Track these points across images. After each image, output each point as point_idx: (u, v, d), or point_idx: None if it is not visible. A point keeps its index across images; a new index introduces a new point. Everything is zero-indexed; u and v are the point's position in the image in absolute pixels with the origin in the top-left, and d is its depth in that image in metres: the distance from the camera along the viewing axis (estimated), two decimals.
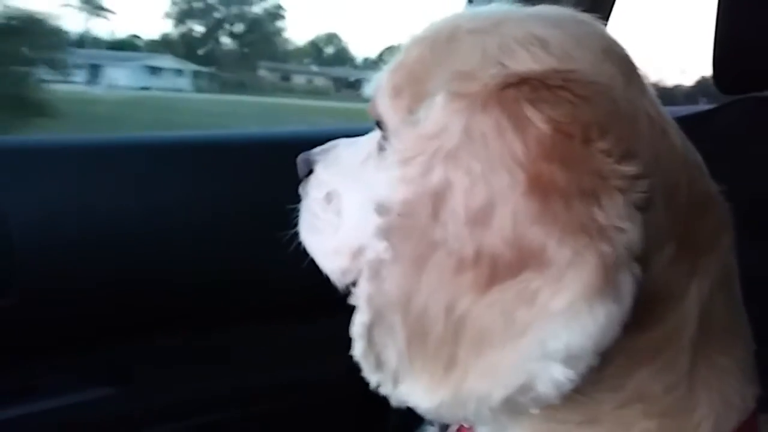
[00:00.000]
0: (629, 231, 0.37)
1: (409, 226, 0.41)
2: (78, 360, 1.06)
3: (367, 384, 0.44)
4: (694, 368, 0.44)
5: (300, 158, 0.67)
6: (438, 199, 0.41)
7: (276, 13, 5.99)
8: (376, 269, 0.43)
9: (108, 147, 1.09)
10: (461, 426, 0.55)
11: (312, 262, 0.62)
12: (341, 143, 0.66)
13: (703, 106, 1.21)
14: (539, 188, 0.38)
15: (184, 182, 1.07)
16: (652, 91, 0.48)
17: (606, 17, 1.29)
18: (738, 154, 0.90)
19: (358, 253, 0.56)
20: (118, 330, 1.07)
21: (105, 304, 1.03)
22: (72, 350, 1.05)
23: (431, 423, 0.62)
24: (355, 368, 0.44)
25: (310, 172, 0.66)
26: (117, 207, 1.02)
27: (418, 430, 0.63)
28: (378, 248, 0.43)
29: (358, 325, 0.44)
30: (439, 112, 0.43)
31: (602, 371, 0.39)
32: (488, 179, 0.39)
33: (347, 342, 0.45)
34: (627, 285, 0.36)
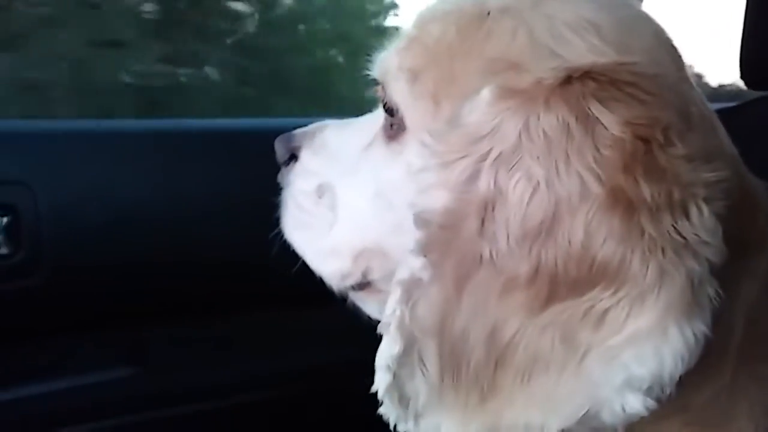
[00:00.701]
0: (713, 245, 0.34)
1: (450, 240, 0.37)
2: (99, 340, 1.09)
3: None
4: (735, 378, 0.41)
5: (278, 141, 0.60)
6: (486, 209, 0.36)
7: None
8: (410, 290, 0.38)
9: (131, 133, 1.10)
10: None
11: (302, 262, 0.57)
12: (328, 126, 0.59)
13: (729, 103, 1.19)
14: (621, 200, 0.34)
15: (205, 168, 1.09)
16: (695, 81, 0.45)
17: None
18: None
19: (362, 255, 0.51)
20: (138, 312, 1.09)
21: (126, 287, 1.06)
22: (93, 331, 1.08)
23: None
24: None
25: (292, 157, 0.59)
26: (139, 192, 1.04)
27: None
28: (413, 265, 0.38)
29: (385, 356, 0.39)
30: (486, 110, 0.38)
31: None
32: (553, 187, 0.35)
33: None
34: (707, 302, 0.34)
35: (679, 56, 0.44)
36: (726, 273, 0.37)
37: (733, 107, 1.11)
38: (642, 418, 0.37)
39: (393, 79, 0.47)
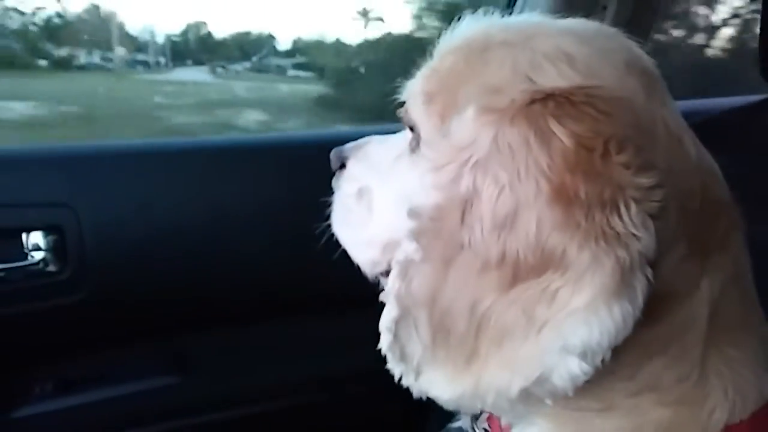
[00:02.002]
0: (643, 238, 0.40)
1: (438, 230, 0.44)
2: (142, 350, 1.15)
3: None
4: (705, 360, 0.46)
5: (333, 153, 0.70)
6: (466, 205, 0.43)
7: None
8: (406, 268, 0.46)
9: (167, 152, 1.16)
10: (491, 415, 0.58)
11: (343, 252, 0.65)
12: (373, 140, 0.68)
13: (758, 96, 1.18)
14: (562, 197, 0.40)
15: (240, 182, 1.13)
16: (672, 102, 0.50)
17: (648, 26, 1.27)
18: None
19: (387, 246, 0.58)
20: (178, 324, 1.15)
21: (166, 300, 1.11)
22: (137, 341, 1.14)
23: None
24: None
25: (342, 166, 0.69)
26: (177, 209, 1.09)
27: (453, 419, 0.65)
28: (408, 249, 0.46)
29: (386, 320, 0.47)
30: (469, 125, 0.45)
31: (615, 362, 0.42)
32: (514, 188, 0.42)
33: None
34: (640, 286, 0.39)
35: (653, 80, 0.49)
36: (689, 268, 0.45)
37: (763, 101, 1.11)
38: (616, 395, 0.46)
39: (413, 101, 0.55)
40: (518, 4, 1.25)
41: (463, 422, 0.61)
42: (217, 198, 1.12)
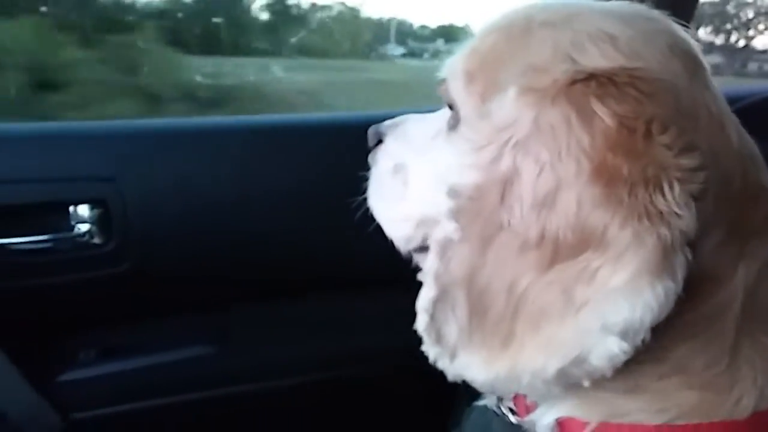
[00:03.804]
0: (685, 217, 0.39)
1: (478, 209, 0.45)
2: (182, 322, 1.19)
3: None
4: (737, 347, 0.45)
5: (371, 129, 0.71)
6: (506, 184, 0.43)
7: None
8: (444, 248, 0.46)
9: (208, 131, 1.18)
10: (517, 395, 0.58)
11: (378, 229, 0.66)
12: (410, 118, 0.69)
13: None
14: (604, 176, 0.40)
15: (276, 161, 1.15)
16: (715, 86, 0.49)
17: (692, 9, 1.24)
18: None
19: (421, 222, 0.59)
20: (218, 295, 1.18)
21: (206, 272, 1.14)
22: (177, 313, 1.18)
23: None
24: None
25: (379, 142, 0.69)
26: (217, 184, 1.11)
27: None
28: (447, 228, 0.46)
29: (424, 300, 0.47)
30: (511, 105, 0.45)
31: (645, 344, 0.41)
32: (555, 167, 0.42)
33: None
34: (681, 265, 0.39)
35: (697, 64, 0.49)
36: (726, 253, 0.45)
37: None
38: (644, 376, 0.45)
39: (453, 80, 0.54)
40: None
41: (489, 400, 0.61)
42: (255, 175, 1.14)
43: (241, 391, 1.19)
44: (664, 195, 0.40)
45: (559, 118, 0.42)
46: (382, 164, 0.68)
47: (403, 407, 1.27)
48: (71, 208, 1.05)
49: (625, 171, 0.40)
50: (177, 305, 1.17)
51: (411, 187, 0.63)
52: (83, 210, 1.05)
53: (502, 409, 0.59)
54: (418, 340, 0.49)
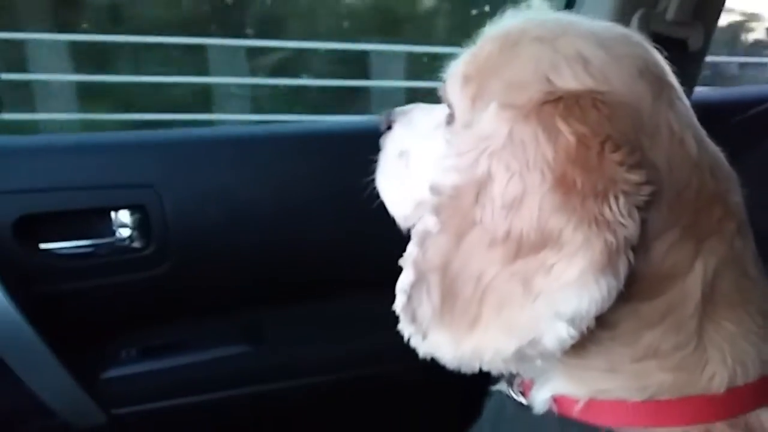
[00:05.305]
0: (629, 226, 0.45)
1: (455, 207, 0.50)
2: (218, 321, 1.23)
3: None
4: (702, 332, 0.51)
5: (383, 115, 0.77)
6: (481, 187, 0.49)
7: None
8: (424, 238, 0.52)
9: (242, 139, 1.23)
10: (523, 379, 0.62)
11: (382, 204, 0.72)
12: (418, 108, 0.75)
13: None
14: (562, 186, 0.46)
15: (307, 168, 1.20)
16: (681, 103, 0.54)
17: (715, 15, 1.25)
18: None
19: (419, 204, 0.64)
20: (253, 296, 1.22)
21: (241, 275, 1.19)
22: (214, 313, 1.22)
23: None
24: None
25: (389, 128, 0.75)
26: (251, 190, 1.16)
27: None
28: (428, 221, 0.52)
29: (402, 283, 0.52)
30: (491, 118, 0.51)
31: (615, 330, 0.50)
32: (523, 176, 0.47)
33: None
34: (623, 266, 0.45)
35: (662, 86, 0.53)
36: (681, 252, 0.50)
37: None
38: (619, 358, 0.51)
39: (452, 82, 0.60)
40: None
41: (501, 386, 0.65)
42: (288, 181, 1.18)
43: (276, 388, 1.23)
44: (610, 206, 0.45)
45: (530, 133, 0.48)
46: (389, 148, 0.74)
47: (436, 403, 1.29)
48: (113, 214, 1.11)
49: (579, 183, 0.45)
50: (213, 306, 1.21)
51: (412, 172, 0.70)
52: (124, 216, 1.11)
53: (512, 391, 0.63)
54: None
